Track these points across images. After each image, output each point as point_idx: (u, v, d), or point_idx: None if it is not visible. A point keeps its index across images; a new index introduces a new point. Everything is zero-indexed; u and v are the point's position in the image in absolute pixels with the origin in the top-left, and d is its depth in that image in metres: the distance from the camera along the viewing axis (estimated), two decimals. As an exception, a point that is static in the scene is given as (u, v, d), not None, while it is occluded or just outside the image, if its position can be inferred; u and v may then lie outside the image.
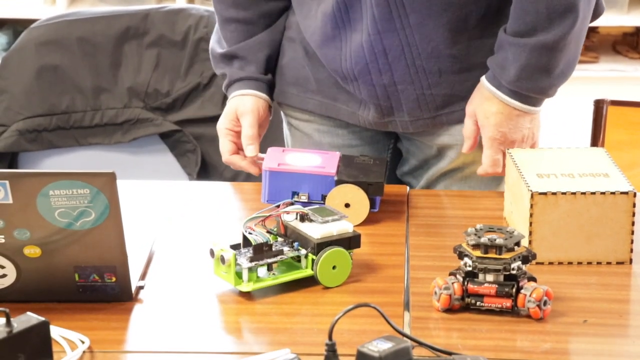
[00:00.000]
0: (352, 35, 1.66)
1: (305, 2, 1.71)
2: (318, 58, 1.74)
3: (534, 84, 1.61)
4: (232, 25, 1.77)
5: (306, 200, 1.56)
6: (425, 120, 1.71)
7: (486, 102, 1.63)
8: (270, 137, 1.89)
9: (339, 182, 1.56)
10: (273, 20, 1.79)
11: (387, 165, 1.63)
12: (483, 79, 1.65)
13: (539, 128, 1.69)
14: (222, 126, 1.74)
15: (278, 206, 1.44)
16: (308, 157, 1.61)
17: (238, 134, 1.73)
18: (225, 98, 2.43)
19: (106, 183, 1.28)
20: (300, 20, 1.74)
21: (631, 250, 1.47)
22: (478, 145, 1.69)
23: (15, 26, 4.65)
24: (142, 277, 1.42)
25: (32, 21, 2.61)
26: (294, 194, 1.57)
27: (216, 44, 1.82)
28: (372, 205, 1.57)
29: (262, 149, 1.72)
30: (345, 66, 1.68)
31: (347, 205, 1.55)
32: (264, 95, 1.76)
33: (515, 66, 1.60)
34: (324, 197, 1.56)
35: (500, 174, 1.66)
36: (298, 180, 1.57)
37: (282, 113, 1.87)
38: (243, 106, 1.74)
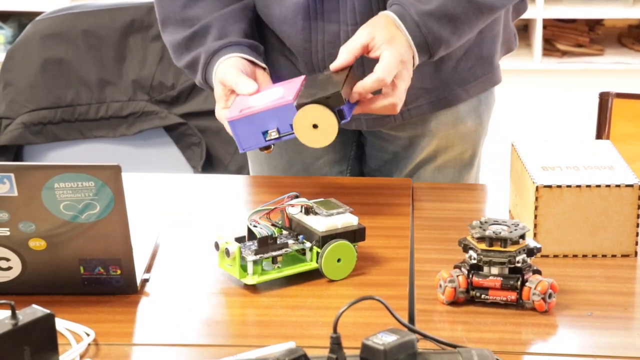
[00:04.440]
0: (325, 26, 1.63)
1: None
2: (274, 57, 1.69)
3: (438, 29, 1.55)
4: (201, 2, 1.65)
5: (277, 136, 1.51)
6: (390, 117, 1.70)
7: (393, 29, 1.54)
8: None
9: (299, 106, 1.48)
10: None
11: (350, 71, 1.52)
12: (387, 12, 1.55)
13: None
14: (219, 109, 1.60)
15: (283, 199, 1.44)
16: (271, 92, 1.53)
17: None
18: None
19: (111, 176, 1.28)
20: (264, 11, 1.67)
21: (636, 243, 1.47)
22: (447, 132, 1.69)
23: (20, 19, 4.66)
24: (147, 269, 1.42)
25: (37, 14, 2.62)
26: (264, 133, 1.51)
27: (175, 34, 1.65)
28: (342, 116, 1.50)
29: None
30: (316, 58, 1.65)
31: (315, 126, 1.49)
32: (249, 57, 1.61)
33: (436, 2, 1.54)
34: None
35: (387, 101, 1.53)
36: (262, 119, 1.50)
37: None
38: (222, 71, 1.58)
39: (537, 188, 1.45)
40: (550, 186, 1.45)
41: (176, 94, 2.42)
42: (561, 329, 1.29)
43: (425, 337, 1.22)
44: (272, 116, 1.50)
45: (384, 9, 1.60)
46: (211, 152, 2.46)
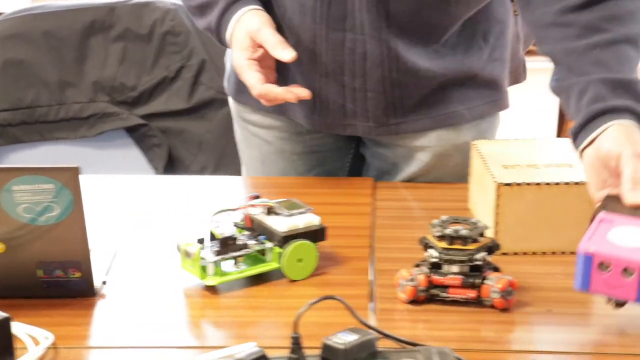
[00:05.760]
0: (329, 33, 1.60)
1: None
2: None
3: None
4: None
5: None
6: (388, 127, 1.69)
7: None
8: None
9: None
10: None
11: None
12: (627, 121, 1.34)
13: None
14: (242, 58, 1.55)
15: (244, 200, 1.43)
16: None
17: (259, 62, 1.56)
18: (191, 92, 2.43)
19: (70, 178, 1.27)
20: (277, 2, 1.64)
21: (595, 240, 1.48)
22: (447, 148, 1.68)
23: (-19, 20, 4.61)
24: (107, 272, 1.41)
25: (-3, 15, 2.59)
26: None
27: None
28: None
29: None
30: (320, 61, 1.62)
31: None
32: (266, 14, 1.59)
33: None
34: None
35: None
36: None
37: (236, 124, 1.83)
38: (254, 23, 1.56)
39: (497, 186, 1.45)
40: (510, 184, 1.46)
41: (137, 94, 2.41)
42: (520, 326, 1.30)
43: (386, 336, 1.23)
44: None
45: (394, 22, 1.58)
46: (173, 153, 2.45)
